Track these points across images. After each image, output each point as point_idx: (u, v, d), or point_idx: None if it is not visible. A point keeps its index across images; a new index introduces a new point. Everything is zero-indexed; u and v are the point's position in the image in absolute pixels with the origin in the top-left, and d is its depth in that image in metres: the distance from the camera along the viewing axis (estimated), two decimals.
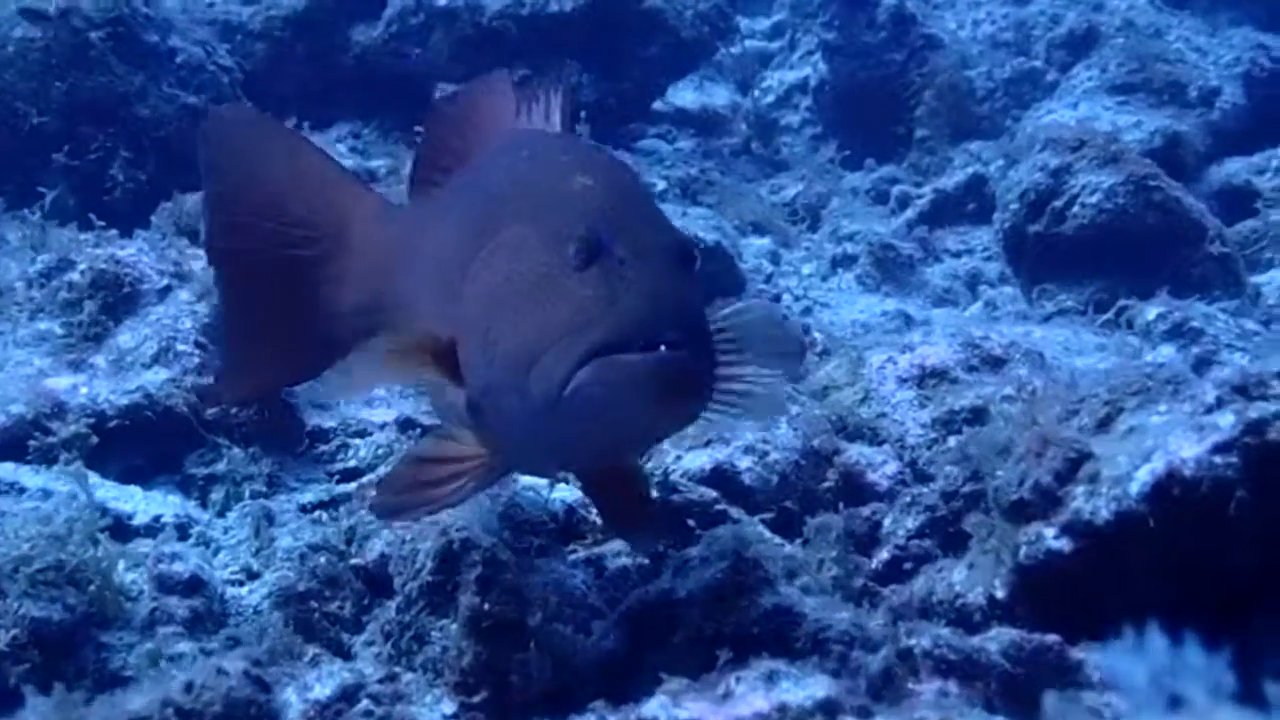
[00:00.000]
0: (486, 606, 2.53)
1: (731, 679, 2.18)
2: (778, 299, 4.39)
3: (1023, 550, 2.48)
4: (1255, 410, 2.41)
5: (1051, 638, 2.35)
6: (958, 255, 5.13)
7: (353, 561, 2.91)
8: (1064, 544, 2.45)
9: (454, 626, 2.57)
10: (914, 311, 4.46)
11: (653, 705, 2.14)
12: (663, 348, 2.20)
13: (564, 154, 2.62)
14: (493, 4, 5.62)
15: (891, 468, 3.22)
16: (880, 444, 3.34)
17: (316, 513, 3.16)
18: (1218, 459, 2.38)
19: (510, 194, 2.58)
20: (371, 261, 2.94)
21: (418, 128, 4.99)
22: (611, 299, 2.26)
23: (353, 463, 3.37)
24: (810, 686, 2.15)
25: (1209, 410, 2.47)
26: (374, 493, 2.73)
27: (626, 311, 2.24)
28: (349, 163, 5.14)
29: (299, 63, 5.70)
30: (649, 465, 3.06)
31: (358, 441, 3.39)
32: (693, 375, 2.25)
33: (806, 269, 4.89)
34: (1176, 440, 2.41)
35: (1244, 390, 2.48)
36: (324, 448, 3.40)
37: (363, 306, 2.92)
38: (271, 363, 3.09)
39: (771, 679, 2.17)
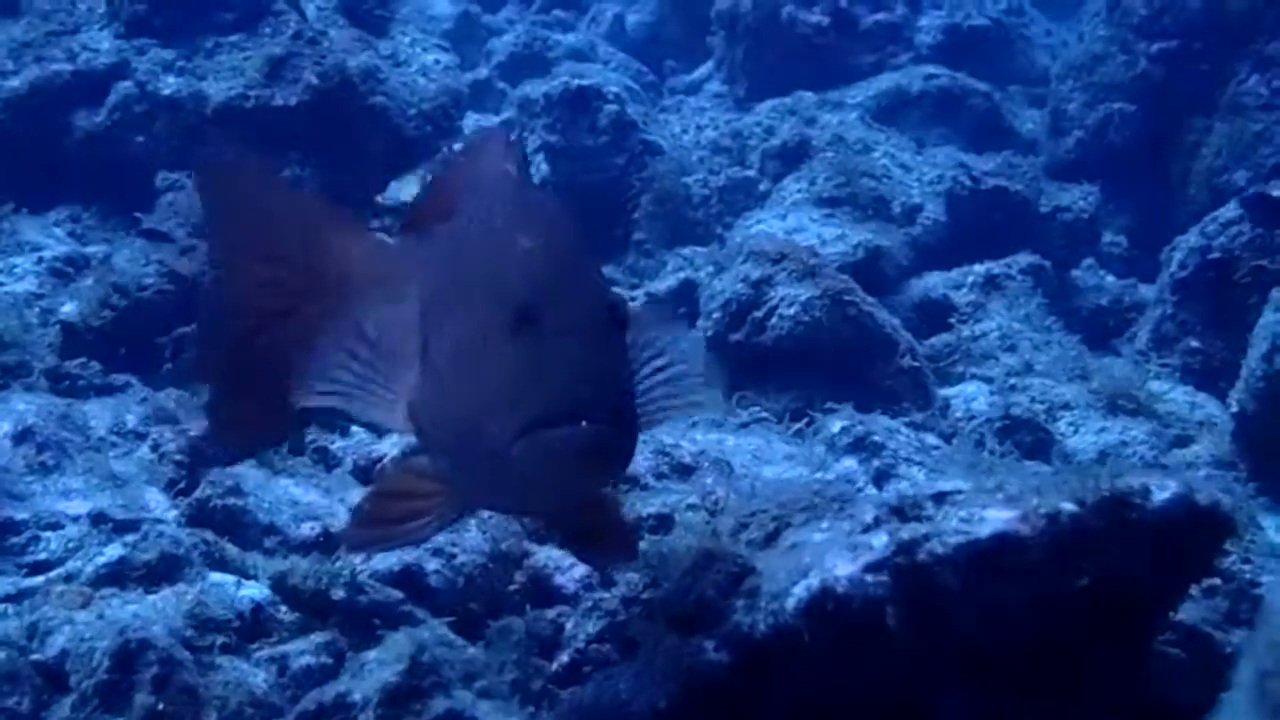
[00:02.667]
0: (161, 706, 2.56)
1: None
2: None
3: (685, 661, 2.58)
4: (907, 532, 2.54)
5: None
6: None
7: (33, 657, 2.91)
8: (723, 656, 2.56)
9: None
10: None
11: None
12: (585, 421, 2.32)
13: (515, 211, 2.71)
14: (217, 95, 5.65)
15: (579, 571, 3.29)
16: None
17: (1, 605, 3.14)
18: (869, 577, 2.50)
19: (465, 253, 2.71)
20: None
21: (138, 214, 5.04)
22: (539, 373, 2.38)
23: (43, 555, 3.34)
24: None
25: (866, 529, 2.60)
26: (346, 526, 2.88)
27: (552, 387, 2.36)
28: (64, 248, 5.14)
29: (19, 145, 5.65)
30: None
31: (49, 534, 3.37)
32: (610, 445, 2.37)
33: None
34: (833, 558, 2.53)
35: (900, 511, 2.61)
36: (14, 539, 3.38)
37: None
38: (270, 409, 3.08)
39: None
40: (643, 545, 3.20)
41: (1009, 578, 2.49)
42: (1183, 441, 4.22)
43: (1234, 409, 4.05)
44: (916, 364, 4.50)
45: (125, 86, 5.69)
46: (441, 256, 2.79)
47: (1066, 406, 4.31)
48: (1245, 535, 3.00)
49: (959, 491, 2.61)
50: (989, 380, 4.63)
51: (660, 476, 3.57)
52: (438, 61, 6.60)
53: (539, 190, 2.87)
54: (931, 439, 4.03)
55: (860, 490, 3.46)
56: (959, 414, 4.41)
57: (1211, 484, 2.66)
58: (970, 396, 4.52)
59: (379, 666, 2.66)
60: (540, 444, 2.34)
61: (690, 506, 3.36)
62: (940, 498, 2.60)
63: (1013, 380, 4.46)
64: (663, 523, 3.36)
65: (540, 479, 2.43)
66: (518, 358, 2.41)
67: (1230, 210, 4.76)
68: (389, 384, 2.70)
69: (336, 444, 4.01)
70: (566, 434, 2.33)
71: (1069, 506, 2.51)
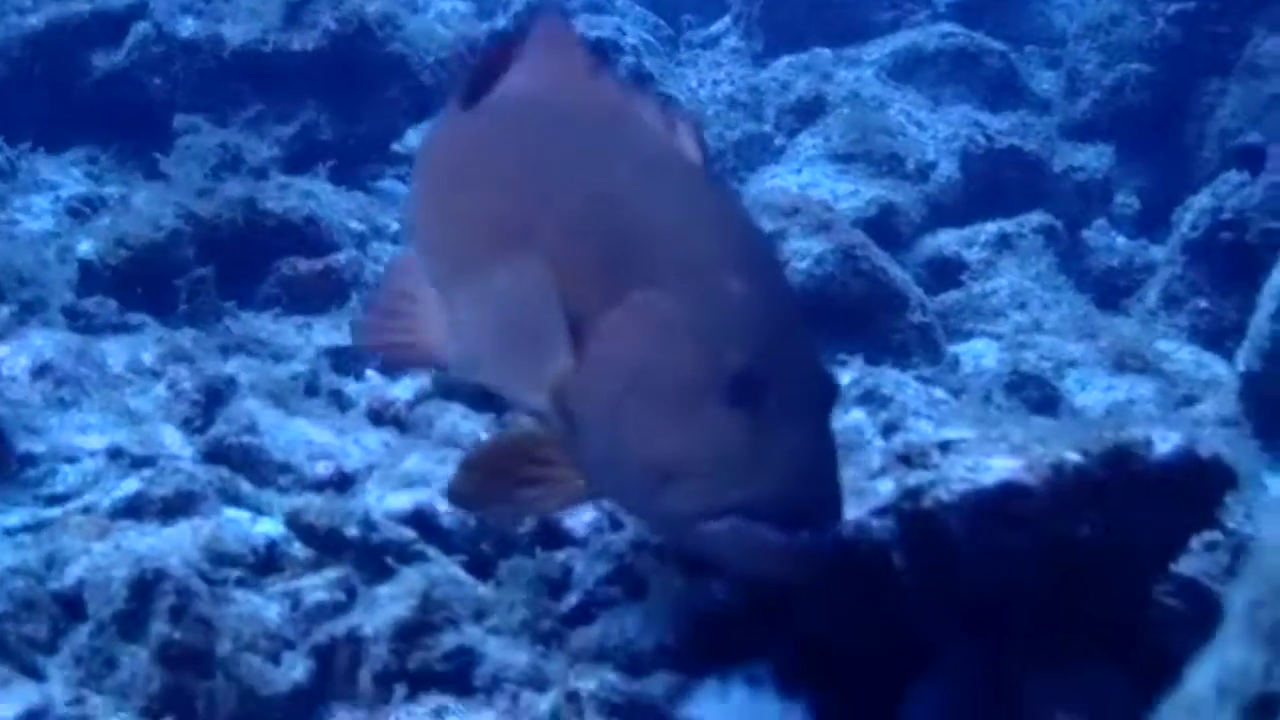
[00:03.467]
0: (176, 635, 2.60)
1: (402, 712, 2.29)
2: None
3: (692, 601, 2.63)
4: (913, 478, 2.58)
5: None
6: None
7: (51, 586, 2.96)
8: (729, 597, 2.60)
9: (144, 653, 2.64)
10: None
11: None
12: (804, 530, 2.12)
13: (686, 181, 2.47)
14: (235, 38, 5.68)
15: (589, 515, 3.33)
16: None
17: (20, 536, 3.19)
18: (875, 522, 2.55)
19: (635, 224, 2.41)
20: None
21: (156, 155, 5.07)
22: (759, 456, 2.16)
23: (60, 488, 3.38)
24: None
25: (873, 476, 2.64)
26: (452, 476, 2.72)
27: (772, 477, 2.15)
28: (81, 188, 5.18)
29: (37, 85, 5.69)
30: None
31: (66, 467, 3.42)
32: (821, 561, 2.18)
33: None
34: None
35: (906, 459, 2.65)
36: (32, 472, 3.43)
37: None
38: None
39: (440, 714, 2.29)
40: None
41: (1013, 525, 2.53)
42: (1189, 400, 4.26)
43: (1240, 368, 4.08)
44: (927, 319, 4.54)
45: (143, 27, 5.72)
46: (584, 216, 2.47)
47: (1074, 364, 4.34)
48: (1247, 491, 3.04)
49: (964, 440, 2.64)
50: (998, 337, 4.67)
51: None
52: (455, 9, 6.64)
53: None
54: (940, 393, 4.06)
55: (868, 441, 3.49)
56: (968, 370, 4.45)
57: (1214, 437, 2.70)
58: (979, 353, 4.57)
59: (391, 601, 2.70)
60: (745, 535, 2.14)
61: None
62: (946, 446, 2.64)
63: (1021, 337, 4.49)
64: None
65: (726, 560, 2.30)
66: (732, 429, 2.17)
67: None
68: (531, 356, 2.44)
69: (350, 386, 4.06)
70: (780, 540, 2.12)
71: (1073, 456, 2.54)
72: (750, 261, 2.34)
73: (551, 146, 2.66)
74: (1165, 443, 2.58)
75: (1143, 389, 4.18)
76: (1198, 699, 1.22)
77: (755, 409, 2.16)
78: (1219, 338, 4.61)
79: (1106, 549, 2.54)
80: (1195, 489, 2.58)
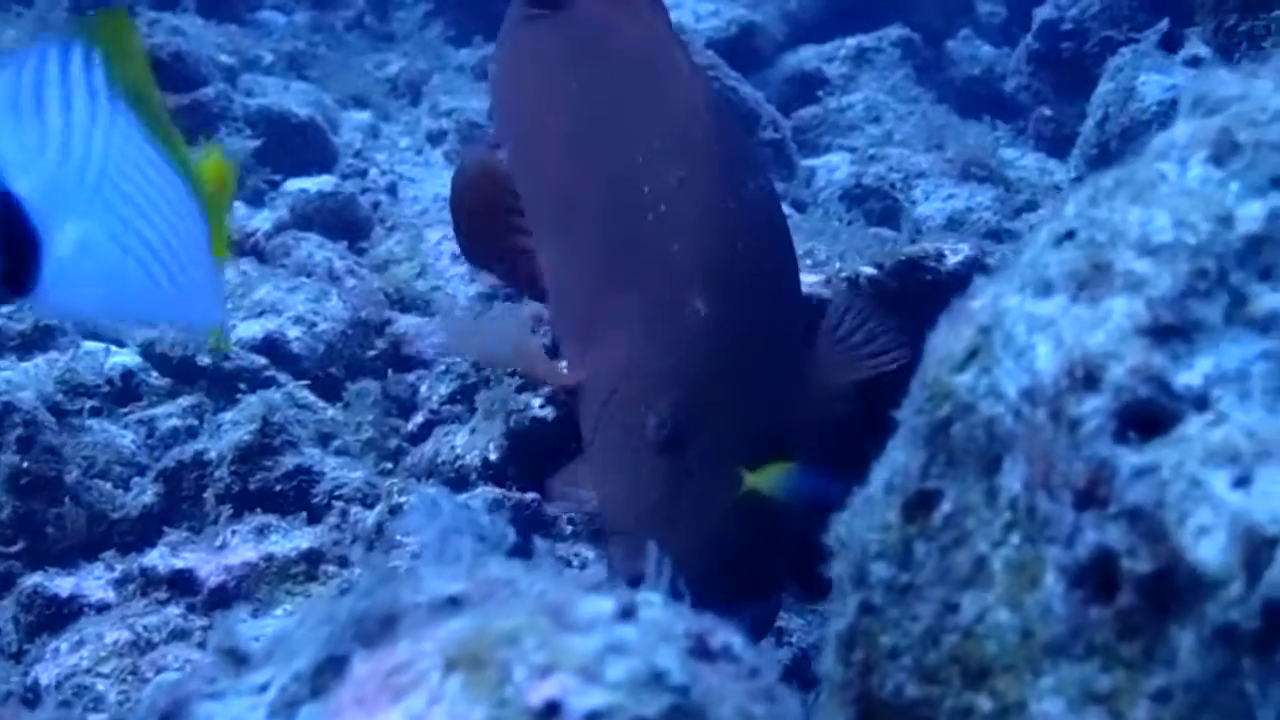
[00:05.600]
0: (25, 465, 2.75)
1: (228, 532, 2.46)
2: (364, 173, 4.57)
3: (513, 418, 2.79)
4: None
5: (530, 495, 2.66)
6: None
7: None
8: (547, 412, 2.77)
9: None
10: None
11: (153, 555, 2.42)
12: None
13: (700, 158, 2.36)
14: None
15: (438, 339, 3.48)
16: (431, 316, 3.60)
17: None
18: None
19: (631, 217, 2.35)
20: None
21: None
22: (675, 514, 2.06)
23: None
24: (296, 539, 2.44)
25: None
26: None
27: (684, 538, 1.98)
28: None
29: None
30: None
31: None
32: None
33: (404, 142, 5.08)
34: None
35: None
36: None
37: None
38: None
39: (262, 532, 2.45)
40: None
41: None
42: (1030, 206, 4.41)
43: (1071, 174, 4.25)
44: (779, 135, 4.67)
45: None
46: (600, 201, 2.44)
47: (922, 175, 4.47)
48: None
49: None
50: (853, 150, 4.78)
51: None
52: None
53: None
54: (786, 208, 4.20)
55: None
56: (821, 183, 4.58)
57: (1004, 246, 2.87)
58: (833, 167, 4.68)
59: (233, 427, 2.86)
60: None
61: None
62: None
63: (873, 150, 4.62)
64: None
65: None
66: (652, 480, 2.11)
67: None
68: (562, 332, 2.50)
69: None
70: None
71: (868, 270, 2.70)
72: (727, 271, 2.24)
73: (599, 97, 2.59)
74: (956, 255, 2.74)
75: (982, 197, 4.32)
76: (871, 496, 1.38)
77: (673, 465, 2.09)
78: (1063, 145, 4.75)
79: None
80: None
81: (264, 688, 1.21)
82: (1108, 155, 4.05)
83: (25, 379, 3.02)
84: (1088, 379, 1.21)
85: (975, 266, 2.73)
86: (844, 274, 2.70)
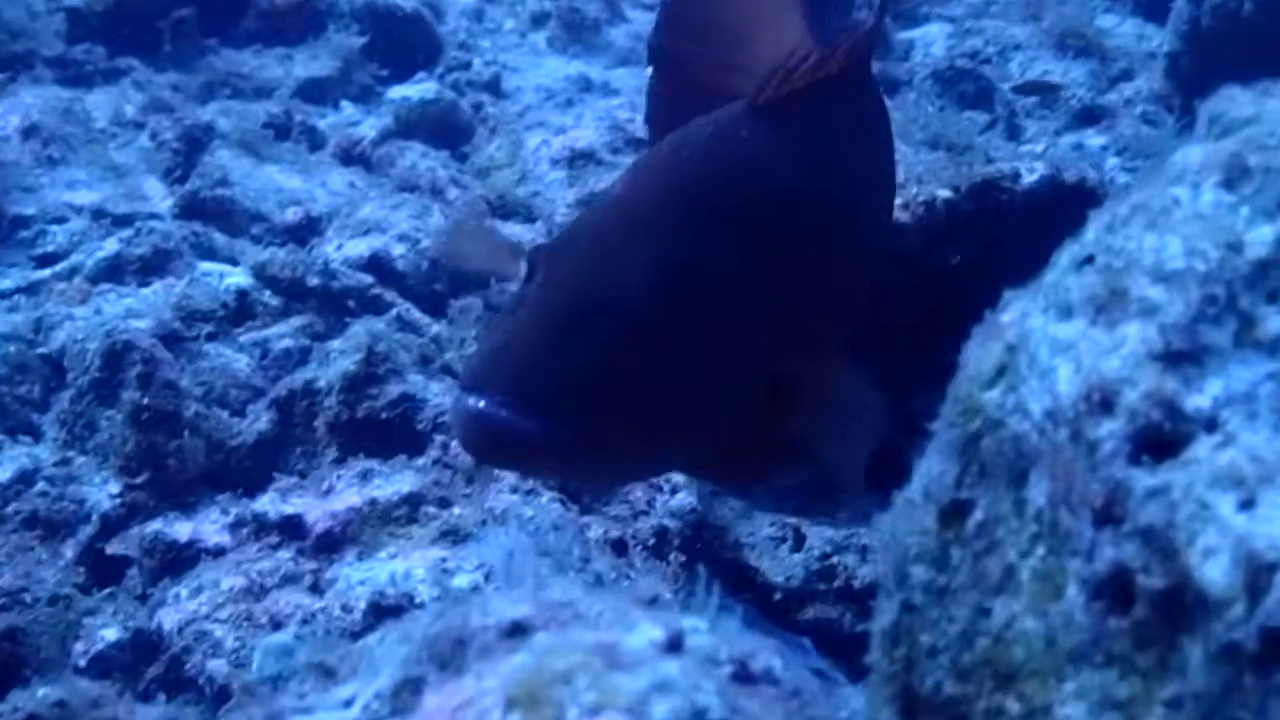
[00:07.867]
0: (145, 400, 2.88)
1: (334, 476, 2.58)
2: (468, 65, 4.63)
3: None
4: None
5: None
6: (650, 9, 5.37)
7: (39, 350, 3.21)
8: None
9: (119, 417, 2.92)
10: (595, 75, 4.72)
11: (264, 501, 2.55)
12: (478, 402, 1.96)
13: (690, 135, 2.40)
14: None
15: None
16: (533, 222, 3.69)
17: (15, 298, 3.44)
18: None
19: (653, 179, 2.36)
20: None
21: None
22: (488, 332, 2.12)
23: (50, 248, 3.61)
24: (398, 483, 2.56)
25: None
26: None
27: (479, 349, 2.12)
28: None
29: None
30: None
31: (55, 228, 3.65)
32: (482, 421, 1.97)
33: (508, 24, 5.10)
34: None
35: None
36: (24, 233, 3.65)
37: None
38: None
39: (366, 477, 2.57)
40: None
41: (891, 261, 2.75)
42: (1127, 75, 4.41)
43: (1165, 49, 4.25)
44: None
45: None
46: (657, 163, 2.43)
47: (1018, 47, 4.49)
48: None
49: None
50: (952, 20, 4.79)
51: (615, 151, 3.83)
52: None
53: None
54: None
55: None
56: (918, 59, 4.60)
57: (1081, 161, 2.91)
58: (931, 39, 4.70)
59: (340, 356, 2.97)
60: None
61: None
62: None
63: (969, 23, 4.63)
64: None
65: None
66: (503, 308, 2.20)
67: None
68: None
69: (326, 120, 4.26)
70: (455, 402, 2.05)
71: (944, 193, 2.76)
72: (659, 221, 2.19)
73: (727, 35, 2.73)
74: (1032, 174, 2.79)
75: (1077, 72, 4.33)
76: (911, 499, 1.47)
77: (516, 296, 2.13)
78: (1161, 8, 4.72)
79: (978, 274, 2.76)
80: (1061, 210, 2.78)
81: (349, 703, 1.33)
82: (1199, 33, 4.06)
83: (145, 306, 3.14)
84: (1104, 403, 1.29)
85: (1051, 185, 2.77)
86: (920, 198, 2.76)
